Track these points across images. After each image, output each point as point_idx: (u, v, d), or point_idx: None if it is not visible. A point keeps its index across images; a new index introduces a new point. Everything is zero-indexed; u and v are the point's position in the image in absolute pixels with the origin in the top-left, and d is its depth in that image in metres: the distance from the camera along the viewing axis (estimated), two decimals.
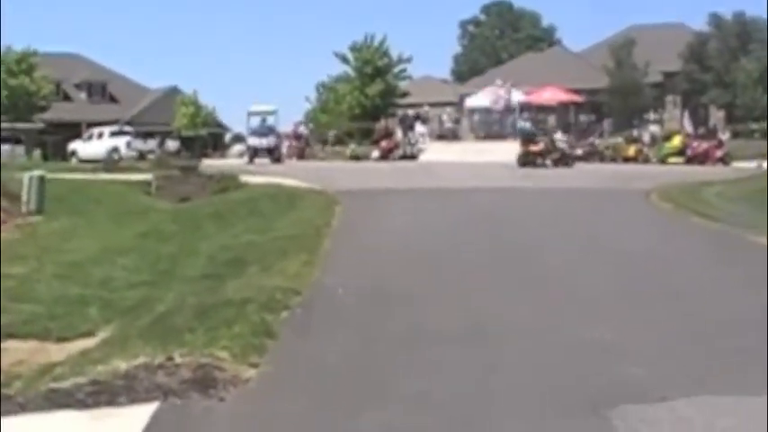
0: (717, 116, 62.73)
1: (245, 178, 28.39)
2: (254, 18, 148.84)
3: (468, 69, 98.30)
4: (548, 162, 37.71)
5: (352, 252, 14.59)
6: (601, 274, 12.50)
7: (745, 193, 27.09)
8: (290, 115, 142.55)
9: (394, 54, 67.14)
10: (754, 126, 57.88)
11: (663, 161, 43.32)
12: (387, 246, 15.38)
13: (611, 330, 8.88)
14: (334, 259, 13.72)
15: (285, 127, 53.18)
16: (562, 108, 62.05)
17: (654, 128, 51.05)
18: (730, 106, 60.63)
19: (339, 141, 60.14)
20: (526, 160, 37.75)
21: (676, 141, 45.08)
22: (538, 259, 13.95)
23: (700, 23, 69.92)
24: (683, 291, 11.24)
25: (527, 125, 48.62)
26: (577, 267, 13.11)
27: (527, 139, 39.77)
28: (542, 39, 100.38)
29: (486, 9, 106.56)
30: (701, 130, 52.21)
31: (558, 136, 43.47)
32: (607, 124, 59.59)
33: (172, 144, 55.19)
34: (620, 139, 48.33)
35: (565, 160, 38.42)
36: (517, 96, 60.31)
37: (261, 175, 30.47)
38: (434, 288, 11.53)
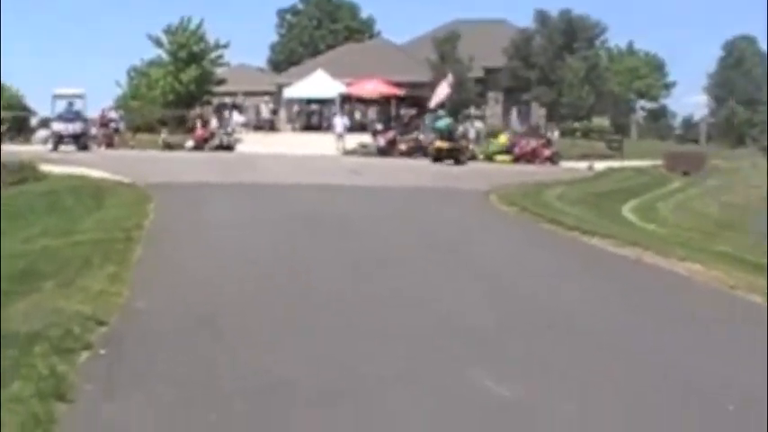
0: (538, 114, 62.36)
1: (46, 168, 25.60)
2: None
3: (285, 59, 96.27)
4: None
5: (168, 264, 12.30)
6: (472, 303, 10.61)
7: (586, 195, 26.07)
8: (101, 101, 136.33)
9: (211, 39, 64.39)
10: (576, 125, 57.88)
11: (490, 159, 42.15)
12: (209, 255, 13.19)
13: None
14: (147, 273, 11.44)
15: (94, 113, 49.99)
16: (384, 101, 60.66)
17: (478, 124, 49.87)
18: (554, 104, 60.36)
19: (151, 129, 56.94)
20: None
21: (503, 139, 44.02)
22: (388, 276, 12.01)
23: (524, 21, 69.76)
24: (580, 324, 9.48)
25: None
26: (440, 293, 11.19)
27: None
28: (361, 30, 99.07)
29: None
30: (524, 128, 51.47)
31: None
32: (429, 119, 58.27)
33: None
34: None
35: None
36: (338, 88, 58.67)
37: (65, 165, 27.71)
38: (271, 315, 9.46)
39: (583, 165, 39.94)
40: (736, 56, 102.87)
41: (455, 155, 37.89)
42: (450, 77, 47.90)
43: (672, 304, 10.82)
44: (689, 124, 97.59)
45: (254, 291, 10.62)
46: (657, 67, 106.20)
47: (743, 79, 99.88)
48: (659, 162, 42.81)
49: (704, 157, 42.95)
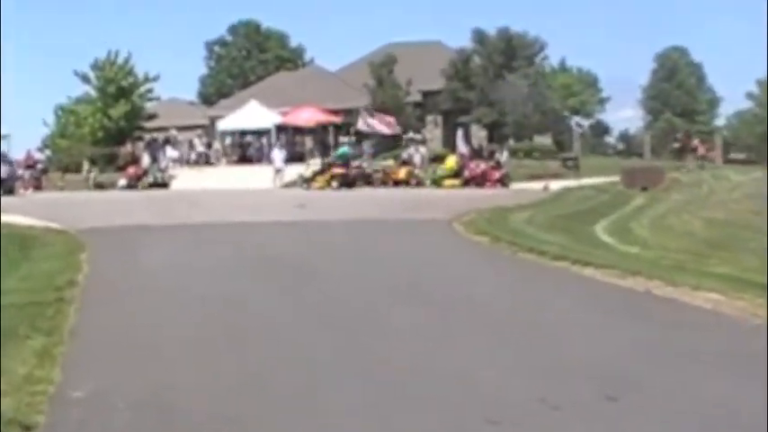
0: (479, 135, 60.81)
1: None
2: None
3: (216, 91, 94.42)
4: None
5: (107, 333, 10.21)
6: (480, 366, 8.70)
7: (553, 219, 24.40)
8: (27, 142, 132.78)
9: (139, 73, 62.09)
10: (518, 145, 56.44)
11: (437, 184, 40.43)
12: (154, 317, 11.15)
13: None
14: (83, 346, 9.40)
15: (20, 154, 47.48)
16: (321, 129, 58.87)
17: (422, 149, 48.13)
18: (496, 125, 58.87)
19: (80, 168, 54.44)
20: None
21: (451, 163, 42.24)
22: (366, 346, 10.08)
23: (459, 41, 68.45)
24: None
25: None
26: (448, 364, 9.28)
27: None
28: (291, 59, 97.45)
29: (232, 29, 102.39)
30: (469, 151, 49.74)
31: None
32: (367, 146, 56.50)
33: None
34: (390, 162, 45.17)
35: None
36: (273, 118, 56.82)
37: None
38: (234, 400, 7.51)
39: (535, 185, 38.46)
40: (669, 67, 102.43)
41: (350, 181, 39.40)
42: (363, 111, 48.81)
43: (732, 352, 8.90)
44: (626, 139, 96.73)
45: (212, 367, 8.62)
46: (590, 83, 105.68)
47: (677, 90, 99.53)
48: (614, 179, 41.42)
49: (662, 171, 41.53)
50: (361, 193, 36.12)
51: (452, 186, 39.46)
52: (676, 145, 57.42)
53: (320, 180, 39.81)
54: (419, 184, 41.11)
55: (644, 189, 36.73)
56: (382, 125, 52.29)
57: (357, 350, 9.09)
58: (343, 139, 46.63)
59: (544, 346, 9.17)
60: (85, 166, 50.20)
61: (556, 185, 37.73)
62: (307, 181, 40.25)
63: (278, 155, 45.49)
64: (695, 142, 55.00)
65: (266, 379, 8.01)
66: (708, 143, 59.14)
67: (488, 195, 32.98)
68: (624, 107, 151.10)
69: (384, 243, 18.88)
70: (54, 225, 21.47)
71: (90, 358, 8.89)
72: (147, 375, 8.18)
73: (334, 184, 39.07)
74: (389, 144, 53.40)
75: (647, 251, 18.93)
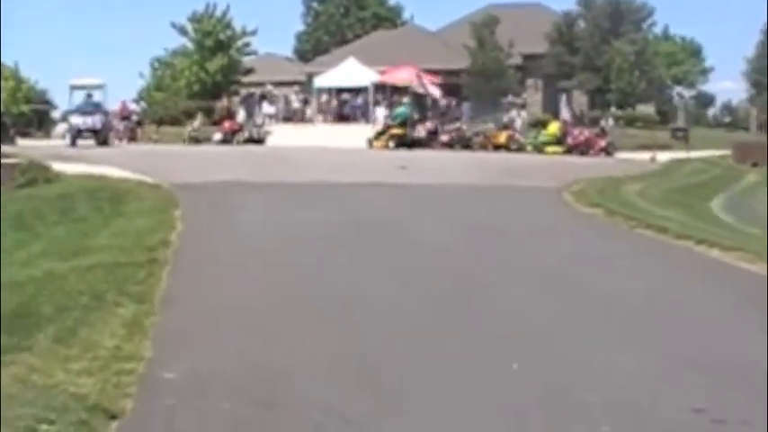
0: (580, 102, 59.18)
1: (61, 166, 22.74)
2: None
3: (312, 48, 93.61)
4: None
5: (203, 301, 9.35)
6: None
7: (667, 192, 23.18)
8: (123, 93, 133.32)
9: (237, 27, 61.57)
10: (620, 113, 54.82)
11: (539, 150, 39.17)
12: (254, 285, 10.31)
13: None
14: (176, 316, 8.58)
15: (116, 105, 47.15)
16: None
17: (524, 113, 46.80)
18: (599, 92, 57.22)
19: (175, 121, 54.11)
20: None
21: (554, 129, 40.91)
22: (487, 323, 9.12)
23: (561, 4, 66.73)
24: None
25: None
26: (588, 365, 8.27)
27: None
28: (389, 18, 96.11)
29: None
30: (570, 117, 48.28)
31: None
32: (466, 108, 55.24)
33: None
34: (490, 125, 43.96)
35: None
36: (370, 76, 55.76)
37: (83, 162, 24.83)
38: (346, 385, 6.60)
39: (641, 156, 37.05)
40: None
41: (411, 141, 39.60)
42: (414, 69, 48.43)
43: None
44: (730, 111, 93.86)
45: (317, 345, 7.72)
46: (694, 52, 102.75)
47: None
48: (722, 152, 39.86)
49: None
50: (462, 156, 35.03)
51: (554, 153, 38.23)
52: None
53: (382, 140, 39.83)
54: (520, 149, 39.95)
55: (755, 164, 35.20)
56: (433, 88, 51.28)
57: (482, 352, 8.12)
58: (404, 99, 46.40)
59: (694, 343, 8.09)
60: (197, 120, 49.53)
61: (663, 157, 36.28)
62: (370, 141, 40.10)
63: (380, 113, 44.61)
64: None
65: (374, 367, 7.10)
66: None
67: (594, 164, 31.71)
68: (724, 78, 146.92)
69: (492, 213, 17.78)
70: (147, 179, 20.77)
71: (183, 331, 8.06)
72: (245, 355, 7.32)
73: (391, 144, 39.26)
74: (488, 107, 52.10)
75: None
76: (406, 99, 46.12)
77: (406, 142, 39.36)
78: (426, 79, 50.58)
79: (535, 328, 8.39)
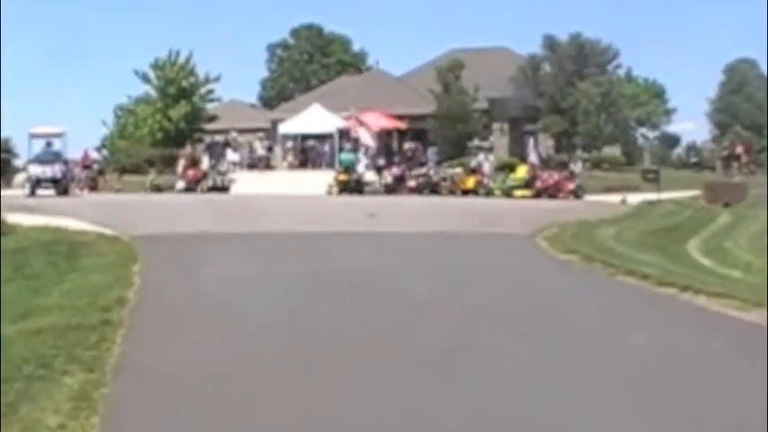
0: (545, 145, 58.77)
1: (17, 218, 21.86)
2: (46, 28, 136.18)
3: (277, 94, 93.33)
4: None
5: (160, 368, 8.61)
6: None
7: (642, 236, 22.63)
8: (85, 141, 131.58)
9: (200, 73, 60.96)
10: (585, 155, 54.46)
11: (507, 194, 38.63)
12: (216, 350, 9.55)
13: None
14: (129, 387, 7.83)
15: (77, 153, 46.13)
16: (385, 134, 57.16)
17: (491, 157, 46.30)
18: (565, 134, 56.89)
19: (138, 170, 53.20)
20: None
21: (522, 172, 40.47)
22: (471, 372, 8.44)
23: (523, 48, 66.50)
24: None
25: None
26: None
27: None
28: (353, 64, 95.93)
29: (295, 32, 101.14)
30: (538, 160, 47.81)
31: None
32: (432, 153, 54.85)
33: None
34: (458, 170, 43.43)
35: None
36: (336, 122, 55.21)
37: (39, 214, 23.96)
38: None
39: (611, 198, 36.62)
40: (738, 80, 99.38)
41: (358, 186, 40.48)
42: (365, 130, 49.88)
43: None
44: (694, 152, 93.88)
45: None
46: (657, 93, 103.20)
47: (746, 104, 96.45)
48: (691, 193, 39.50)
49: (745, 186, 39.48)
50: (430, 201, 34.45)
51: (523, 197, 37.73)
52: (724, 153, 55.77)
53: (333, 186, 40.70)
54: (488, 193, 39.42)
55: (726, 205, 34.80)
56: (367, 136, 51.27)
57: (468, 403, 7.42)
58: (346, 146, 48.00)
59: (699, 405, 7.43)
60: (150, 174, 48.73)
61: (634, 199, 35.82)
62: (330, 187, 40.68)
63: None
64: (739, 149, 53.44)
65: None
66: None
67: (564, 208, 31.19)
68: (685, 119, 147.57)
69: (468, 260, 17.15)
70: (107, 231, 19.96)
71: (137, 405, 7.30)
72: None
73: (335, 190, 40.11)
74: (454, 151, 51.59)
75: (750, 275, 17.20)
76: (348, 146, 47.65)
77: (350, 188, 40.14)
78: (362, 127, 50.87)
79: (537, 395, 7.71)
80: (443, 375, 8.37)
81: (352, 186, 40.33)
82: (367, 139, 50.63)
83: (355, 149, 47.25)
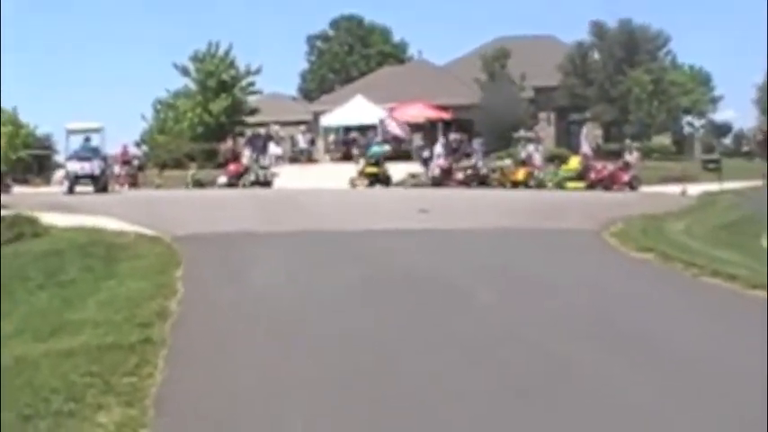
0: (594, 134, 57.23)
1: (52, 218, 20.75)
2: (81, 23, 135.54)
3: (317, 86, 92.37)
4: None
5: (210, 400, 7.38)
6: None
7: (713, 230, 21.19)
8: (123, 136, 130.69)
9: (241, 66, 59.88)
10: (636, 144, 52.85)
11: (560, 186, 37.25)
12: (273, 373, 8.32)
13: None
14: (173, 427, 6.63)
15: (114, 149, 45.13)
16: (429, 125, 55.89)
17: (541, 148, 44.77)
18: (614, 123, 55.33)
19: (179, 165, 52.11)
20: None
21: (574, 164, 39.02)
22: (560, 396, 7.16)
23: (569, 36, 64.98)
24: None
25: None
26: None
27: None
28: (393, 55, 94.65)
29: (334, 24, 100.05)
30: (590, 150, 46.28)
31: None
32: (476, 144, 53.49)
33: None
34: (506, 161, 42.06)
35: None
36: (378, 113, 53.95)
37: (75, 213, 22.89)
38: None
39: (668, 189, 35.17)
40: None
41: (383, 179, 39.58)
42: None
43: None
44: (745, 140, 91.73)
45: None
46: (703, 81, 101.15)
47: None
48: (751, 183, 37.97)
49: None
50: (481, 194, 33.13)
51: (576, 189, 36.29)
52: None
53: (360, 179, 39.67)
54: (539, 185, 38.03)
55: None
56: (399, 129, 50.25)
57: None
58: (375, 138, 47.14)
59: None
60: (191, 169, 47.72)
61: (693, 190, 34.35)
62: (353, 180, 39.66)
63: None
64: None
65: None
66: None
67: (622, 200, 29.76)
68: (726, 107, 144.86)
69: (535, 263, 15.74)
70: (147, 231, 18.80)
71: None
72: None
73: (365, 182, 39.23)
74: (499, 142, 50.14)
75: None
76: (377, 138, 46.93)
77: (380, 180, 39.39)
78: (396, 120, 50.00)
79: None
80: (543, 403, 7.10)
81: (381, 179, 39.55)
82: (396, 130, 49.74)
83: (386, 141, 46.55)
